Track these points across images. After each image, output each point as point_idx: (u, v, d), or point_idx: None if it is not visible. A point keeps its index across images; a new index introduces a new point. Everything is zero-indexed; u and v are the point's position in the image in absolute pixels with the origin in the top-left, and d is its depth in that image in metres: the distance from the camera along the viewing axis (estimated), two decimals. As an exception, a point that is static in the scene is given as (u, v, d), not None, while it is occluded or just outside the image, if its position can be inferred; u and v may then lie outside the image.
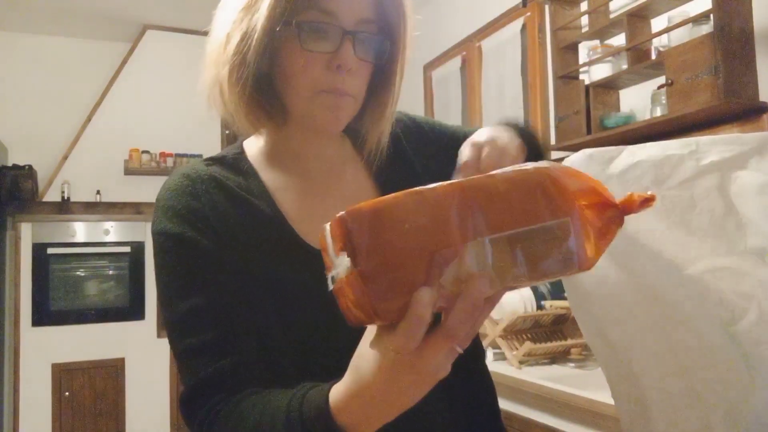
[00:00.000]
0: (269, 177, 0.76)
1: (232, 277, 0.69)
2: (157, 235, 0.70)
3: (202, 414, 0.64)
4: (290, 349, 0.70)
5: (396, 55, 0.74)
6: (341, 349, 0.62)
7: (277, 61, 0.69)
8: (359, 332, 0.61)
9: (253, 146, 0.79)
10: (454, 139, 0.85)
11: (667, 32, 1.93)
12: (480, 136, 0.76)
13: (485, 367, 0.86)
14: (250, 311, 0.68)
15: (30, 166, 3.70)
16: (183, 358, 0.67)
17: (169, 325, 0.70)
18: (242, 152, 0.78)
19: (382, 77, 0.75)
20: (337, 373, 0.59)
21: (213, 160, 0.77)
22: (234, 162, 0.77)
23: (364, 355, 0.51)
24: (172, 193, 0.72)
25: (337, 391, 0.53)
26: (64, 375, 3.51)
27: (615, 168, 0.74)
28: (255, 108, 0.71)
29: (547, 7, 2.52)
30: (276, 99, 0.72)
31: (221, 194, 0.72)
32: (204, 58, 0.74)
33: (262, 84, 0.70)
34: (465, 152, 0.75)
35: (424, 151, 0.86)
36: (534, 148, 0.82)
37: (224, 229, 0.70)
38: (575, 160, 0.77)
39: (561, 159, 0.80)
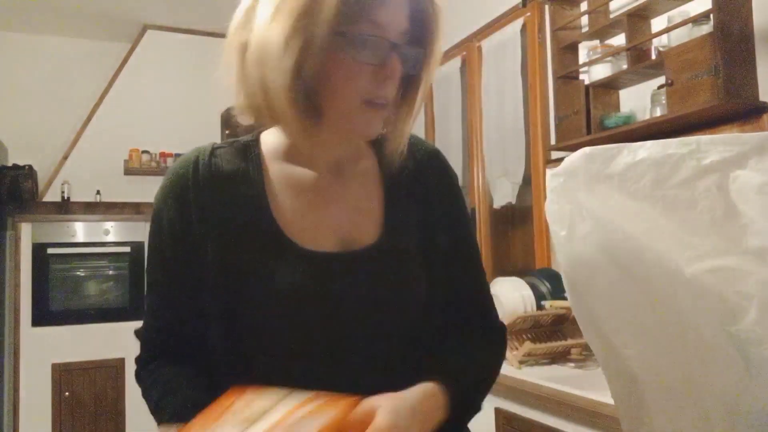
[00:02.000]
0: (275, 169, 0.78)
1: (199, 260, 0.73)
2: (152, 215, 0.77)
3: (140, 364, 0.82)
4: (250, 343, 0.74)
5: (427, 64, 0.75)
6: (312, 347, 0.71)
7: (324, 68, 0.68)
8: (334, 332, 0.71)
9: (270, 137, 0.80)
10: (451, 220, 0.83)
11: (667, 32, 1.93)
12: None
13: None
14: (208, 295, 0.74)
15: (30, 166, 3.70)
16: (144, 314, 0.80)
17: (146, 285, 0.80)
18: (256, 141, 0.81)
19: (410, 83, 0.75)
20: (307, 369, 0.69)
21: (224, 145, 0.80)
22: (244, 148, 0.79)
23: None
24: (168, 174, 0.77)
25: None
26: (64, 375, 3.51)
27: (615, 167, 0.74)
28: (298, 111, 0.70)
29: (547, 7, 2.52)
30: (312, 101, 0.71)
31: (211, 181, 0.75)
32: (238, 55, 0.74)
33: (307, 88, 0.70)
34: None
35: (437, 197, 0.84)
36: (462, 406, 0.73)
37: (208, 215, 0.74)
38: (575, 158, 0.77)
39: (561, 159, 0.80)
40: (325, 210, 0.76)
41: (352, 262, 0.74)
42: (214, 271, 0.73)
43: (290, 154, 0.78)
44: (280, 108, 0.70)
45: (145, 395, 0.79)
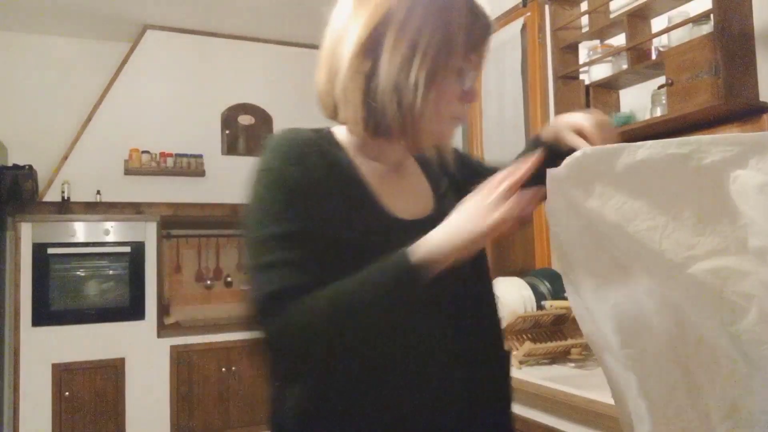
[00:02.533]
0: (354, 155, 0.90)
1: (322, 216, 0.80)
2: (263, 171, 0.83)
3: (284, 311, 0.75)
4: None
5: None
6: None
7: (431, 86, 0.82)
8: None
9: (340, 134, 0.92)
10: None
11: (667, 32, 1.93)
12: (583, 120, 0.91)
13: (509, 384, 0.97)
14: (331, 250, 0.79)
15: (30, 166, 3.70)
16: (262, 270, 0.77)
17: (256, 243, 0.80)
18: (333, 134, 0.92)
19: None
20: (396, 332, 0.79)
21: (313, 130, 0.90)
22: (328, 136, 0.91)
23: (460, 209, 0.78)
24: (282, 141, 0.86)
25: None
26: (64, 375, 3.51)
27: (616, 167, 0.74)
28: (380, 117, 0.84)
29: (547, 7, 2.52)
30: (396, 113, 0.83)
31: (319, 153, 0.85)
32: (364, 80, 0.84)
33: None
34: (578, 142, 0.88)
35: (467, 176, 0.99)
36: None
37: (320, 179, 0.83)
38: (575, 158, 0.77)
39: (561, 159, 0.80)
40: (398, 190, 0.92)
41: (423, 225, 0.83)
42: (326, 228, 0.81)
43: (362, 148, 0.90)
44: (391, 117, 0.83)
45: (331, 309, 0.76)
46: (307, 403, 0.83)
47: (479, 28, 0.84)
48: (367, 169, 0.89)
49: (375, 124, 0.84)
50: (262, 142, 0.87)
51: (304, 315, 0.74)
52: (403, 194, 0.92)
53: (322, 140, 0.89)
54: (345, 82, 0.84)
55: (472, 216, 0.76)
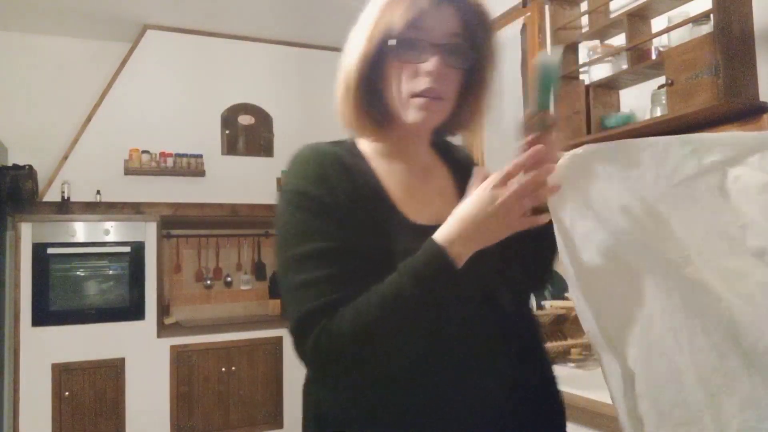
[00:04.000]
0: (377, 164, 0.92)
1: (348, 233, 0.82)
2: (289, 193, 0.85)
3: (314, 333, 0.76)
4: None
5: (483, 65, 0.90)
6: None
7: (382, 73, 0.86)
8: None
9: (363, 143, 0.95)
10: None
11: (667, 32, 1.93)
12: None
13: (558, 394, 0.96)
14: (358, 264, 0.80)
15: (30, 166, 3.69)
16: (295, 291, 0.80)
17: (286, 264, 0.82)
18: (355, 144, 0.95)
19: (474, 86, 0.91)
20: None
21: (334, 144, 0.93)
22: (350, 148, 0.93)
23: (464, 201, 0.79)
24: (304, 160, 0.88)
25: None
26: (64, 375, 3.50)
27: (615, 165, 0.74)
28: (365, 116, 0.88)
29: (547, 7, 2.51)
30: (383, 108, 0.88)
31: (341, 168, 0.87)
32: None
33: (374, 96, 0.87)
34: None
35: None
36: None
37: (342, 196, 0.84)
38: (576, 155, 0.77)
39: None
40: (422, 195, 0.92)
41: None
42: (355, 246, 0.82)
43: (383, 154, 0.93)
44: (347, 115, 0.88)
45: (359, 321, 0.76)
46: (346, 402, 0.84)
47: None
48: (390, 176, 0.91)
49: (359, 116, 0.88)
50: (293, 154, 0.90)
51: (331, 340, 0.75)
52: (426, 198, 0.92)
53: (344, 152, 0.90)
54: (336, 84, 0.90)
55: (485, 214, 0.76)
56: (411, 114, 0.85)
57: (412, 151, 0.94)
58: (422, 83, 0.84)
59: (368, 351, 0.76)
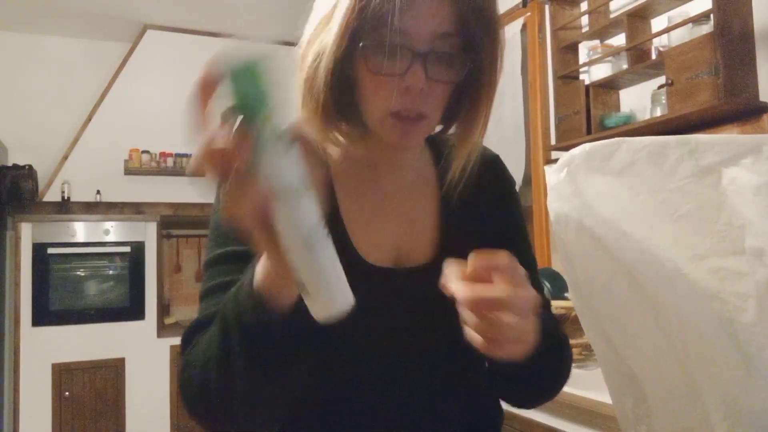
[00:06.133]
0: (342, 180, 0.75)
1: None
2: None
3: (183, 360, 0.65)
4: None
5: (481, 71, 0.66)
6: (359, 353, 0.70)
7: (351, 81, 0.66)
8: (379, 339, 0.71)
9: (335, 151, 0.76)
10: (511, 228, 0.83)
11: (667, 32, 1.93)
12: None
13: (490, 401, 0.83)
14: None
15: (30, 166, 3.70)
16: (199, 301, 0.71)
17: (202, 272, 0.74)
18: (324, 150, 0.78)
19: (469, 94, 0.69)
20: (357, 371, 0.69)
21: None
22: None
23: None
24: None
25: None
26: (64, 375, 3.51)
27: (614, 165, 0.74)
28: (333, 118, 0.69)
29: (547, 7, 2.52)
30: (358, 120, 0.69)
31: None
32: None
33: (343, 96, 0.67)
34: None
35: (496, 208, 0.82)
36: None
37: None
38: (575, 155, 0.77)
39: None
40: (386, 222, 0.75)
41: (406, 279, 0.72)
42: None
43: (354, 168, 0.76)
44: (307, 112, 0.69)
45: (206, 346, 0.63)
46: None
47: None
48: (354, 200, 0.74)
49: (327, 127, 0.70)
50: None
51: (190, 384, 0.63)
52: (394, 231, 0.75)
53: None
54: None
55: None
56: (391, 135, 0.66)
57: (391, 162, 0.75)
58: (399, 101, 0.63)
59: (218, 410, 0.62)
